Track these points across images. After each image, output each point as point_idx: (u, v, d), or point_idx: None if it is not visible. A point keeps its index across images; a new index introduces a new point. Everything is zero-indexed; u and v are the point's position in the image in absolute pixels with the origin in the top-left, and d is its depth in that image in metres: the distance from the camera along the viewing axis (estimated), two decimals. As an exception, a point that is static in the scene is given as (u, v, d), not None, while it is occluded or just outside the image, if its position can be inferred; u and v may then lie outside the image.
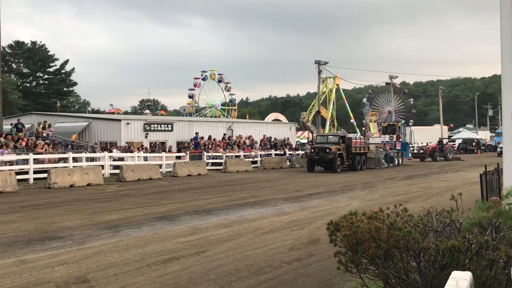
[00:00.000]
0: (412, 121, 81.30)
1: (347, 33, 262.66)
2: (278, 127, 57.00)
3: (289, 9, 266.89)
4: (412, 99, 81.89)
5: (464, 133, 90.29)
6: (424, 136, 73.98)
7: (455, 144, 77.66)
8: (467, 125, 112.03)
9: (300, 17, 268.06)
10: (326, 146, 38.99)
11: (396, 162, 46.60)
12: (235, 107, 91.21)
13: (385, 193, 23.94)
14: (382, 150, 46.37)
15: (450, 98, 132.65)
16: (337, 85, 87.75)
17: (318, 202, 20.32)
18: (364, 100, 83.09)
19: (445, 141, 56.48)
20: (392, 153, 46.96)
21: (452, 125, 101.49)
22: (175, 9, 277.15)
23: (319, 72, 53.25)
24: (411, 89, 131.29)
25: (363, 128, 77.03)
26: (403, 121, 59.14)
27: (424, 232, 6.37)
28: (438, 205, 7.65)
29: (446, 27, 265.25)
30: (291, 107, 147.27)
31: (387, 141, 51.32)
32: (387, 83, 74.08)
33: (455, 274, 4.76)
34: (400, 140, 51.41)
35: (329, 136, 42.70)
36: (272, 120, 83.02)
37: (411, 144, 57.77)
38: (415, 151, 60.10)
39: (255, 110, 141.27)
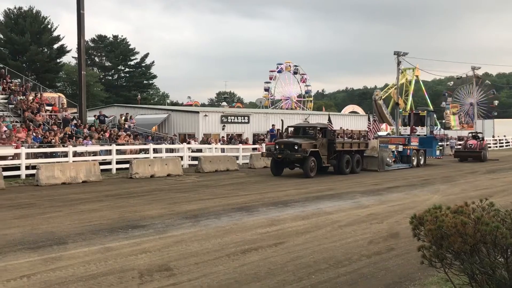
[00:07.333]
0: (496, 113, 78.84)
1: (432, 23, 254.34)
2: (355, 120, 56.32)
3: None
4: (496, 102, 79.10)
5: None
6: (507, 129, 71.28)
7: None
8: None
9: (387, 6, 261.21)
10: (294, 142, 28.28)
11: (414, 163, 36.16)
12: (311, 99, 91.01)
13: (467, 187, 23.26)
14: (388, 147, 35.64)
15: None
16: (417, 76, 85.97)
17: (397, 196, 19.99)
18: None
19: (480, 136, 45.19)
20: (408, 151, 36.20)
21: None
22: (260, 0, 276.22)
23: (398, 63, 52.07)
24: (494, 80, 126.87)
25: (443, 121, 74.49)
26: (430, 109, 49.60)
27: (512, 228, 6.17)
28: (526, 200, 7.38)
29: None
30: (368, 99, 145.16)
31: (406, 135, 39.05)
32: (476, 76, 71.23)
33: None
34: (425, 134, 39.04)
35: (304, 128, 31.06)
36: (349, 113, 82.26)
37: (441, 139, 43.68)
38: (455, 148, 48.43)
39: (331, 102, 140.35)
